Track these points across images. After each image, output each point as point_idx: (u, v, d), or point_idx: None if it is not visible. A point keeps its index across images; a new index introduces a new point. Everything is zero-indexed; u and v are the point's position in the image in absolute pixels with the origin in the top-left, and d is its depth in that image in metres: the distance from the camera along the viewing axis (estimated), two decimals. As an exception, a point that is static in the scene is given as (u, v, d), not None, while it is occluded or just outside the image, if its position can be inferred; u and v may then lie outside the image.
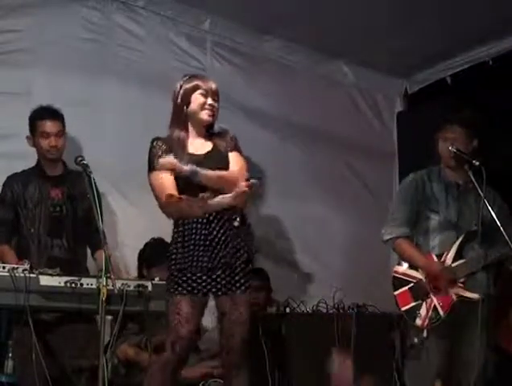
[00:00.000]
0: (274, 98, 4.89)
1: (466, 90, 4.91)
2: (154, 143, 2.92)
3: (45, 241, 3.43)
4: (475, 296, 3.20)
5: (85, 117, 3.92)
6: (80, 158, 3.25)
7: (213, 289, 2.82)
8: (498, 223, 3.12)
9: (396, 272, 3.41)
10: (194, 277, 2.79)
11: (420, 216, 3.39)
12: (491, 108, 4.63)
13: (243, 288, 2.84)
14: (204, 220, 2.82)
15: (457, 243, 3.29)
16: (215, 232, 2.82)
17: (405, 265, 3.39)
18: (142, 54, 4.34)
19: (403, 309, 3.31)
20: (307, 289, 4.50)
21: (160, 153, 2.87)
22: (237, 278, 2.83)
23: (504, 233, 3.10)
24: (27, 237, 3.43)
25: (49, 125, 3.47)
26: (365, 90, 5.45)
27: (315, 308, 3.93)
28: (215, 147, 2.97)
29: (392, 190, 5.35)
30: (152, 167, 2.87)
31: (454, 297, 3.24)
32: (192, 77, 3.01)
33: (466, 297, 3.22)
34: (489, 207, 3.16)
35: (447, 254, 3.30)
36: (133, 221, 4.12)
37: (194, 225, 2.82)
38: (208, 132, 2.99)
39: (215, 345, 3.14)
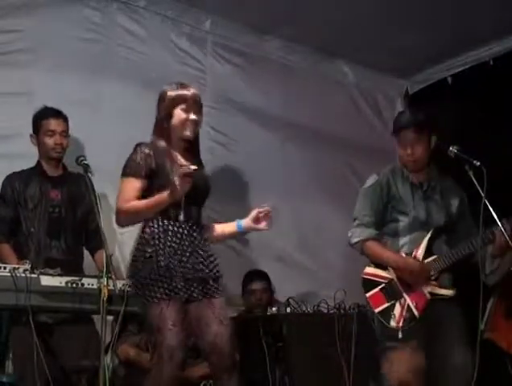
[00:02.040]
0: (274, 98, 4.89)
1: (467, 90, 4.92)
2: (138, 149, 2.85)
3: (44, 242, 3.44)
4: (449, 292, 3.19)
5: (85, 117, 3.91)
6: (81, 158, 3.25)
7: (193, 295, 2.78)
8: (498, 222, 3.11)
9: (366, 273, 3.35)
10: (176, 283, 2.74)
11: (387, 218, 3.34)
12: (491, 108, 4.65)
13: (219, 291, 2.83)
14: (187, 226, 2.82)
15: (426, 239, 3.25)
16: (196, 241, 2.83)
17: (373, 266, 3.34)
18: (143, 54, 4.34)
19: (377, 310, 3.24)
20: (308, 290, 4.49)
21: (138, 160, 2.81)
22: (209, 286, 2.82)
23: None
24: (27, 237, 3.44)
25: (55, 124, 3.49)
26: (365, 90, 5.46)
27: (316, 308, 3.92)
28: (199, 164, 2.92)
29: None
30: (126, 172, 2.81)
31: (428, 295, 3.20)
32: (176, 87, 2.94)
33: (440, 295, 3.19)
34: (491, 208, 3.15)
35: (416, 251, 3.25)
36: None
37: (176, 228, 2.80)
38: (188, 147, 2.94)
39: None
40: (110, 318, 2.99)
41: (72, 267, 3.38)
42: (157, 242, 2.77)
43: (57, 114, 3.53)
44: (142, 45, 4.36)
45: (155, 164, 2.81)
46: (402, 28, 4.60)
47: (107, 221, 3.51)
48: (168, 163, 2.83)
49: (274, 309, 3.85)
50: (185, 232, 2.82)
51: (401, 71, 5.42)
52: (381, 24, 4.58)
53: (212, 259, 2.87)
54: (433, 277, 3.22)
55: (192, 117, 2.89)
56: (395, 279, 3.25)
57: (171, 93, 2.92)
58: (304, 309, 3.87)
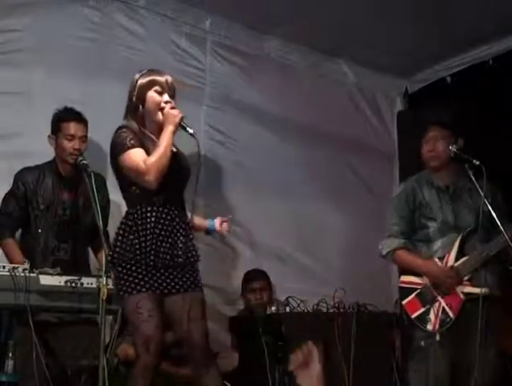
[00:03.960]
0: (274, 97, 4.89)
1: (466, 90, 4.91)
2: (123, 129, 2.85)
3: (52, 244, 3.43)
4: (482, 291, 3.19)
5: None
6: (80, 158, 3.26)
7: (169, 287, 2.79)
8: (498, 222, 3.12)
9: (402, 281, 3.42)
10: (151, 275, 2.76)
11: (417, 225, 3.40)
12: (491, 108, 4.64)
13: (195, 286, 2.84)
14: (171, 211, 2.81)
15: (457, 242, 3.29)
16: (178, 227, 2.82)
17: (408, 274, 3.39)
18: (143, 53, 4.34)
19: (413, 316, 3.30)
20: (308, 289, 4.50)
21: (132, 136, 2.81)
22: (187, 276, 2.82)
23: (501, 228, 3.11)
24: (34, 237, 3.43)
25: (75, 128, 3.45)
26: (365, 89, 5.45)
27: (315, 307, 3.92)
28: (178, 150, 2.94)
29: (392, 190, 5.35)
30: (126, 147, 2.78)
31: (462, 295, 3.24)
32: (147, 72, 2.95)
33: (474, 294, 3.21)
34: (489, 205, 3.17)
35: (448, 255, 3.30)
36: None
37: (158, 214, 2.79)
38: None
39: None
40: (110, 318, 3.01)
41: (80, 268, 3.40)
42: (138, 229, 2.77)
43: (78, 118, 3.48)
44: (141, 44, 4.36)
45: (139, 144, 2.82)
46: (401, 28, 4.60)
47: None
48: (151, 145, 2.83)
49: (273, 308, 3.85)
50: (167, 217, 2.81)
51: (400, 70, 5.42)
52: (381, 24, 4.57)
53: (191, 246, 2.85)
54: (466, 278, 3.25)
55: (167, 98, 2.89)
56: (429, 284, 3.30)
57: (143, 79, 2.93)
58: (304, 308, 3.87)
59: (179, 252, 2.81)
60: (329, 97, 5.18)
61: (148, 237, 2.77)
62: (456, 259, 3.28)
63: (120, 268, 2.78)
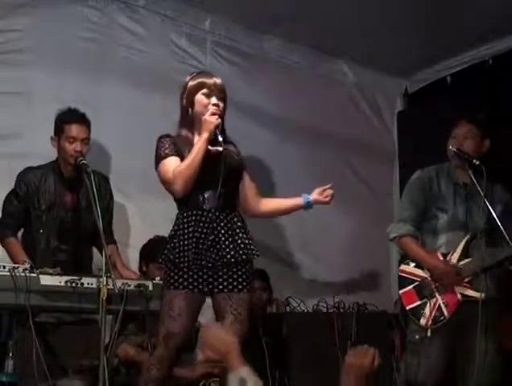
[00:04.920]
0: (274, 97, 4.89)
1: (466, 89, 4.92)
2: (162, 139, 2.89)
3: (53, 244, 3.43)
4: (479, 295, 3.19)
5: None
6: (80, 158, 3.26)
7: (211, 287, 2.81)
8: (499, 223, 3.12)
9: (402, 271, 3.39)
10: (193, 273, 2.78)
11: (427, 215, 3.38)
12: (491, 107, 4.64)
13: (241, 287, 2.83)
14: (210, 213, 2.81)
15: (463, 242, 3.29)
16: (219, 228, 2.81)
17: (412, 264, 3.37)
18: (143, 53, 4.34)
19: (408, 307, 3.29)
20: (308, 289, 4.50)
21: (167, 145, 2.84)
22: (235, 277, 2.82)
23: (505, 234, 3.10)
24: (35, 237, 3.44)
25: (77, 130, 3.44)
26: (365, 89, 5.45)
27: (315, 307, 3.93)
28: (226, 150, 2.92)
29: (392, 190, 5.36)
30: (161, 157, 2.83)
31: (459, 296, 3.24)
32: (196, 75, 2.97)
33: (471, 297, 3.21)
34: (490, 208, 3.16)
35: (452, 253, 3.29)
36: (134, 221, 4.12)
37: (198, 217, 2.81)
38: (215, 135, 2.88)
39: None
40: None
41: (84, 268, 3.40)
42: (180, 232, 2.81)
43: (81, 120, 3.47)
44: (141, 44, 4.36)
45: (177, 151, 2.84)
46: (401, 27, 4.60)
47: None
48: (188, 150, 2.83)
49: (273, 308, 3.86)
50: (206, 219, 2.81)
51: (400, 70, 5.42)
52: (381, 24, 4.57)
53: (241, 245, 2.83)
54: (466, 279, 3.24)
55: (215, 100, 2.88)
56: (429, 278, 3.29)
57: (192, 82, 2.94)
58: (304, 308, 3.88)
59: (223, 253, 2.80)
60: (329, 97, 5.18)
61: (189, 241, 2.78)
62: (459, 259, 3.28)
63: (166, 266, 2.84)
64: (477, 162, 3.23)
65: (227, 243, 2.81)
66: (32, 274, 2.87)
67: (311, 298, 4.15)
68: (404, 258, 3.42)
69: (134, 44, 4.34)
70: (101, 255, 3.52)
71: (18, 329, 3.11)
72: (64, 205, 3.48)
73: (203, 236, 2.79)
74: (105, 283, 2.75)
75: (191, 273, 2.78)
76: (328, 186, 3.19)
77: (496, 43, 4.82)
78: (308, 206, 3.17)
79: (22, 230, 3.53)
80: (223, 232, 2.82)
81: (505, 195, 3.44)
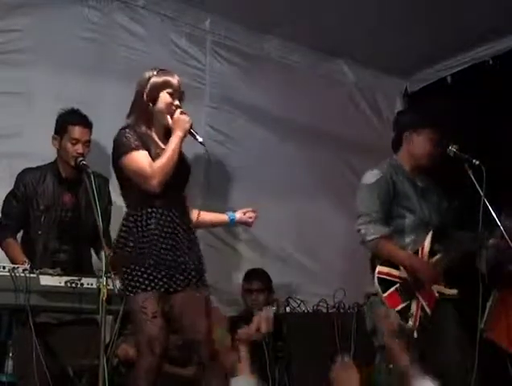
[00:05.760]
0: (274, 97, 4.89)
1: (466, 89, 4.91)
2: (126, 130, 2.83)
3: (52, 246, 3.43)
4: (454, 292, 3.22)
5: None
6: (80, 159, 3.26)
7: (175, 285, 2.77)
8: (499, 223, 3.13)
9: (380, 272, 3.24)
10: (156, 274, 2.74)
11: (393, 214, 3.30)
12: (491, 107, 4.64)
13: (203, 284, 2.84)
14: (164, 214, 2.79)
15: (429, 239, 3.28)
16: (179, 227, 2.82)
17: (385, 265, 3.27)
18: (143, 53, 4.34)
19: (395, 310, 3.21)
20: (308, 289, 4.50)
21: (135, 138, 2.79)
22: (192, 273, 2.81)
23: (504, 233, 3.11)
24: (34, 238, 3.43)
25: (80, 132, 3.44)
26: (365, 89, 5.45)
27: (315, 308, 3.93)
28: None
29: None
30: (129, 149, 2.76)
31: (436, 294, 3.23)
32: (161, 72, 2.93)
33: (446, 295, 3.22)
34: (488, 206, 3.17)
35: (422, 251, 3.27)
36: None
37: (159, 216, 2.78)
38: (166, 133, 2.90)
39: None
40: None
41: (84, 269, 3.39)
42: (139, 230, 2.77)
43: (84, 122, 3.47)
44: (141, 44, 4.36)
45: (144, 146, 2.80)
46: (401, 27, 4.60)
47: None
48: (153, 148, 2.82)
49: (273, 308, 3.86)
50: (168, 219, 2.80)
51: (400, 70, 5.42)
52: (381, 23, 4.57)
53: (195, 249, 2.86)
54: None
55: (177, 102, 2.89)
56: (408, 278, 3.24)
57: (157, 78, 2.90)
58: (304, 308, 3.88)
59: (181, 253, 2.80)
60: (329, 97, 5.18)
61: (149, 238, 2.76)
62: (429, 256, 3.27)
63: (124, 269, 2.77)
64: (477, 163, 3.24)
65: (184, 243, 2.81)
66: (32, 275, 2.88)
67: (312, 299, 4.15)
68: (376, 259, 3.31)
69: (134, 44, 4.34)
70: (98, 257, 3.55)
71: (18, 329, 3.12)
72: (63, 205, 3.47)
73: (163, 235, 2.77)
74: (104, 283, 2.75)
75: (154, 274, 2.73)
76: (250, 209, 3.30)
77: (496, 43, 4.82)
78: (232, 224, 3.28)
79: (21, 231, 3.52)
80: (181, 231, 2.82)
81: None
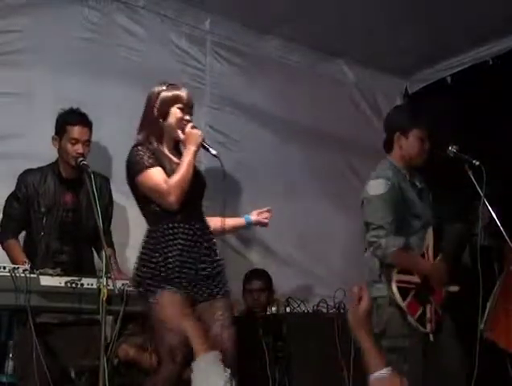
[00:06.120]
0: (274, 98, 4.89)
1: (466, 89, 4.91)
2: (139, 147, 2.83)
3: (54, 246, 3.43)
4: (456, 289, 3.23)
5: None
6: (80, 159, 3.27)
7: (197, 296, 2.78)
8: (498, 223, 3.14)
9: (400, 281, 3.18)
10: (179, 285, 2.74)
11: (403, 222, 3.26)
12: (491, 108, 4.64)
13: (223, 291, 2.84)
14: (186, 228, 2.80)
15: (431, 239, 3.28)
16: (196, 242, 2.81)
17: (401, 273, 3.23)
18: (142, 54, 4.34)
19: (415, 317, 3.18)
20: (308, 289, 4.50)
21: (149, 155, 2.78)
22: (215, 283, 2.82)
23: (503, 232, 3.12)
24: (36, 239, 3.44)
25: (80, 132, 3.44)
26: (365, 89, 5.46)
27: (315, 308, 3.92)
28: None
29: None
30: (144, 167, 2.76)
31: (443, 293, 3.25)
32: (171, 87, 2.92)
33: (450, 293, 3.24)
34: (488, 206, 3.18)
35: (427, 253, 3.28)
36: (134, 222, 4.11)
37: (175, 231, 2.79)
38: (176, 146, 2.94)
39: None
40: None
41: (86, 269, 3.40)
42: (162, 246, 2.76)
43: (84, 122, 3.48)
44: (141, 45, 4.36)
45: (158, 162, 2.81)
46: (401, 27, 4.60)
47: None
48: (167, 164, 2.83)
49: (273, 309, 3.86)
50: (189, 232, 2.81)
51: (400, 70, 5.42)
52: (381, 24, 4.58)
53: (215, 256, 2.86)
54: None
55: (188, 117, 2.89)
56: (421, 283, 3.23)
57: (168, 93, 2.90)
58: (304, 309, 3.87)
59: (203, 265, 2.80)
60: (329, 97, 5.18)
61: (172, 254, 2.75)
62: (434, 256, 3.28)
63: (148, 281, 2.75)
64: (477, 163, 3.24)
65: (206, 255, 2.82)
66: (32, 275, 2.88)
67: (312, 299, 4.15)
68: (391, 267, 3.22)
69: (134, 45, 4.34)
70: (99, 257, 3.55)
71: (19, 329, 3.12)
72: (64, 205, 3.48)
73: (186, 249, 2.77)
74: (104, 284, 2.75)
75: (177, 285, 2.72)
76: (265, 209, 3.32)
77: (496, 43, 4.82)
78: (249, 226, 3.31)
79: (24, 233, 3.53)
80: (204, 243, 2.83)
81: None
